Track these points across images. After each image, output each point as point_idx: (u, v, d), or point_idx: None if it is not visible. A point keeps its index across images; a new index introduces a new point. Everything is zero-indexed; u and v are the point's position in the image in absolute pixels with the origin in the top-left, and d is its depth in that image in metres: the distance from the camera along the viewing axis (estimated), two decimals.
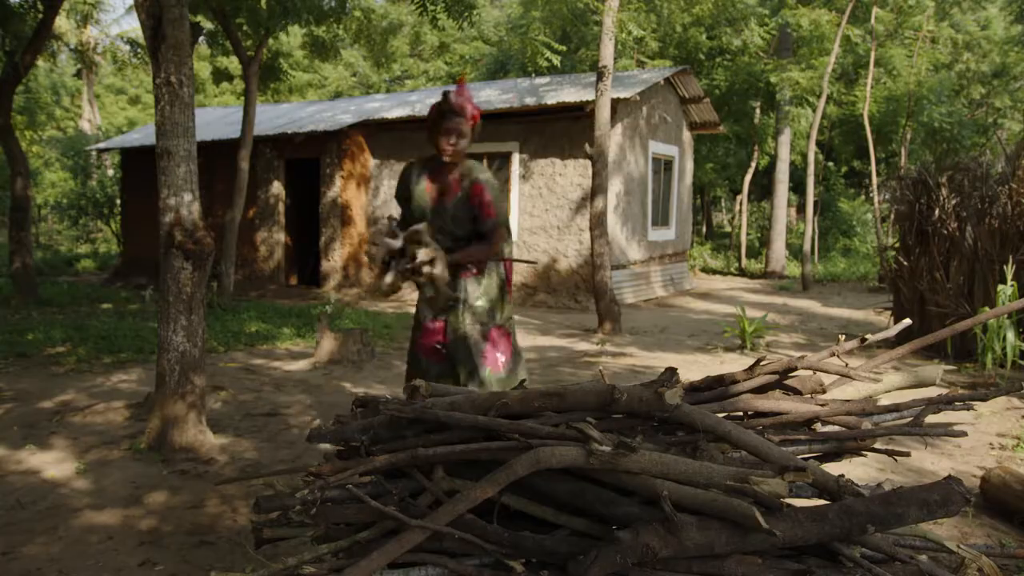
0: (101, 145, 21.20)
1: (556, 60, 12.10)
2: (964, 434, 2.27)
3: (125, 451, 4.75)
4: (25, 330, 9.04)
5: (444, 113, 3.54)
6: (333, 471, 2.06)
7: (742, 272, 21.20)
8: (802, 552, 1.92)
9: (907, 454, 2.41)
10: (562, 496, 1.91)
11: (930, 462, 4.64)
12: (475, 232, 3.71)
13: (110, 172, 25.44)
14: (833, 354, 2.32)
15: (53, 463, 4.56)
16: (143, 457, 4.64)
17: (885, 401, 2.28)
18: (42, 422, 5.43)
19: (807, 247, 16.93)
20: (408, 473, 2.09)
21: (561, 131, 13.20)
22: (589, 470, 1.83)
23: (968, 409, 2.29)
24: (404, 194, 3.83)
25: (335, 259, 15.25)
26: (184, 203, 4.67)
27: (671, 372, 1.98)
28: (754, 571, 1.84)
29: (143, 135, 18.46)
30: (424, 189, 3.74)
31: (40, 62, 13.61)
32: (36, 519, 3.76)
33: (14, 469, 4.46)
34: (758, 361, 2.39)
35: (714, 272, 21.53)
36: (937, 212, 8.61)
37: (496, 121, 13.71)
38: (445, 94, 3.61)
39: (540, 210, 13.59)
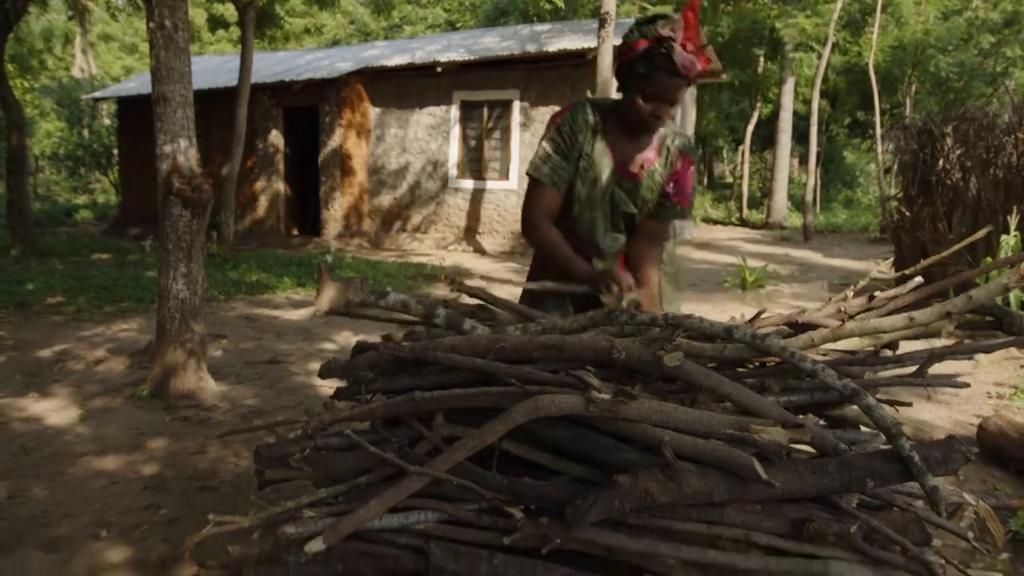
0: (97, 94, 20.94)
1: (560, 1, 11.88)
2: (967, 385, 2.27)
3: (127, 398, 4.78)
4: (25, 280, 9.03)
5: (656, 69, 2.33)
6: (332, 419, 2.06)
7: (743, 222, 21.13)
8: (800, 500, 1.93)
9: (909, 404, 2.41)
10: (561, 443, 1.91)
11: (928, 411, 4.67)
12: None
13: (106, 122, 25.16)
14: (839, 310, 2.30)
15: (56, 410, 4.60)
16: (145, 404, 4.67)
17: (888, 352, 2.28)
18: (44, 370, 5.46)
19: (809, 197, 16.84)
20: (406, 421, 2.09)
21: (562, 78, 13.02)
22: (588, 418, 1.83)
23: (970, 359, 2.29)
24: (566, 146, 2.61)
25: (335, 209, 15.18)
26: (181, 149, 4.62)
27: (671, 329, 1.96)
28: (753, 519, 1.85)
29: (139, 83, 18.21)
30: (603, 154, 2.60)
31: (31, 8, 13.33)
32: (40, 464, 3.80)
33: (17, 416, 4.49)
34: (758, 314, 2.38)
35: (715, 222, 21.46)
36: (941, 162, 8.53)
37: (496, 68, 13.52)
38: (661, 40, 2.31)
39: None
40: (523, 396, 1.82)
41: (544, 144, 2.63)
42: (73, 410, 4.59)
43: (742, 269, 8.98)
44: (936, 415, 4.64)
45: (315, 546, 1.89)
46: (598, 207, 2.67)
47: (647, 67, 2.34)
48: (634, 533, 1.85)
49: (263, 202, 15.82)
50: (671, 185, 2.66)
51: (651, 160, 2.63)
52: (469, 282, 8.98)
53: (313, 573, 2.02)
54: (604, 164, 2.61)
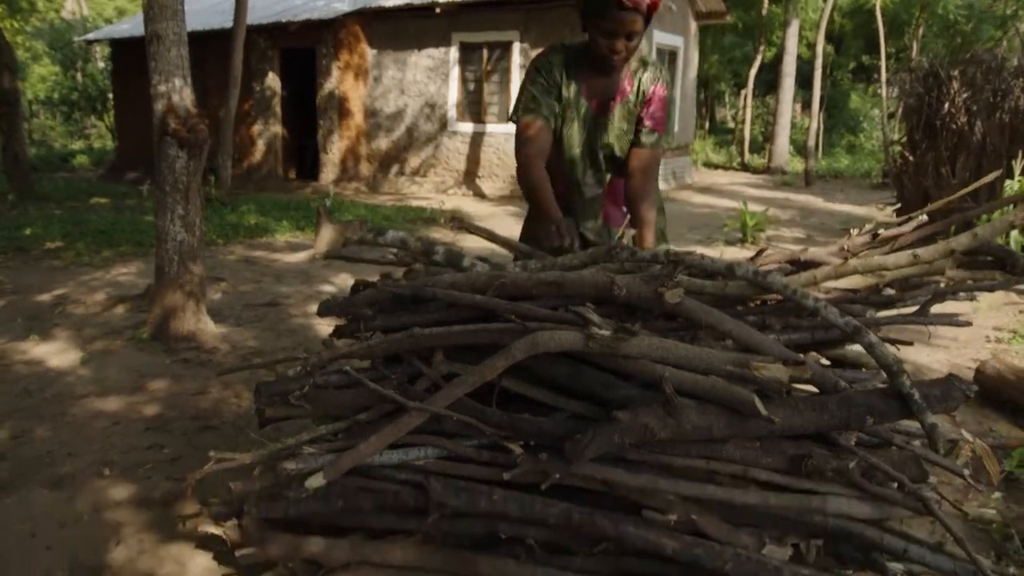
0: (90, 36, 20.55)
1: None
2: (968, 323, 2.26)
3: (127, 341, 4.79)
4: (23, 225, 8.99)
5: (609, 5, 2.38)
6: (331, 356, 2.06)
7: (744, 167, 20.97)
8: (799, 437, 1.94)
9: (910, 343, 2.41)
10: (561, 379, 1.91)
11: (926, 355, 4.68)
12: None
13: (100, 65, 24.76)
14: (843, 248, 2.28)
15: (57, 353, 4.61)
16: (145, 347, 4.68)
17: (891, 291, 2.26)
18: (44, 314, 5.46)
19: (811, 142, 16.68)
20: (407, 359, 2.09)
21: (562, 19, 12.77)
22: (588, 354, 1.82)
23: (972, 299, 2.27)
24: (546, 85, 2.65)
25: (333, 152, 15.05)
26: (176, 89, 4.54)
27: (672, 266, 1.94)
28: (752, 455, 1.86)
29: (133, 25, 17.87)
30: (578, 95, 2.68)
31: None
32: (43, 406, 3.82)
33: (19, 359, 4.50)
34: (760, 252, 2.36)
35: (716, 167, 21.28)
36: (947, 106, 8.43)
37: (495, 9, 13.27)
38: None
39: None
40: (523, 332, 1.81)
41: (527, 87, 2.66)
42: (74, 353, 4.60)
43: (743, 213, 8.93)
44: (934, 359, 4.65)
45: (315, 482, 1.90)
46: (576, 146, 2.73)
47: (600, 4, 2.41)
48: (633, 469, 1.86)
49: (260, 146, 15.67)
50: (645, 111, 2.69)
51: (625, 93, 2.68)
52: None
53: (313, 508, 2.04)
54: (580, 103, 2.68)
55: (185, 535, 2.71)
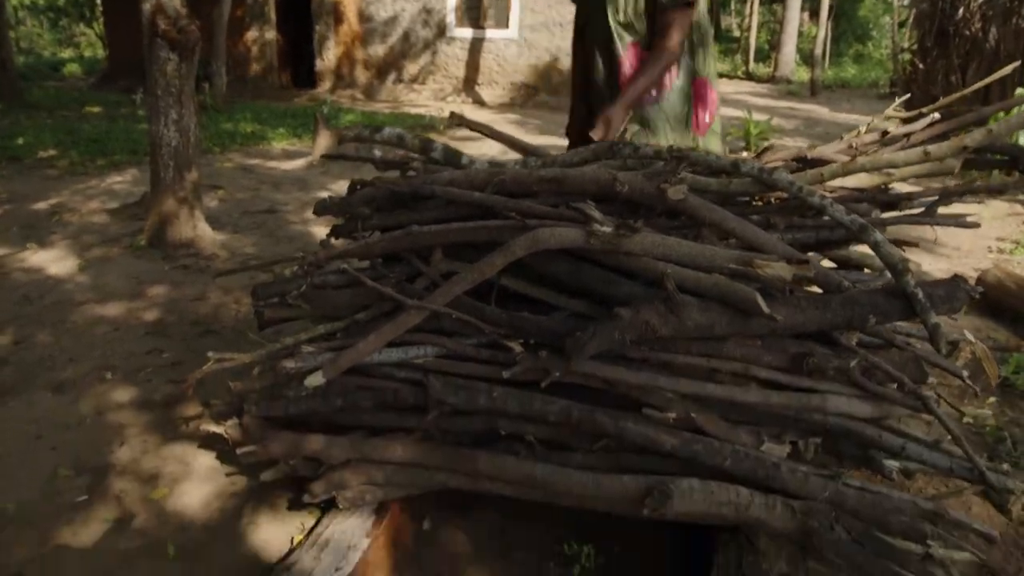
0: None
1: None
2: (977, 225, 2.23)
3: (125, 248, 4.76)
4: (15, 135, 8.82)
5: None
6: (328, 255, 2.03)
7: (749, 76, 20.53)
8: (801, 336, 1.92)
9: (915, 245, 2.37)
10: (561, 277, 1.88)
11: (928, 263, 4.66)
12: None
13: None
14: (850, 145, 2.22)
15: (54, 261, 4.58)
16: (143, 254, 4.65)
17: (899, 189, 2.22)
18: (40, 223, 5.41)
19: (818, 51, 16.27)
20: (405, 258, 2.06)
21: None
22: (589, 251, 1.79)
23: (980, 202, 2.23)
24: None
25: (329, 58, 14.69)
26: None
27: (676, 162, 1.89)
28: (753, 353, 1.85)
29: None
30: None
31: None
32: (43, 312, 3.81)
33: (17, 267, 4.48)
34: (766, 148, 2.30)
35: (720, 75, 20.82)
36: (961, 11, 8.17)
37: None
38: None
39: (543, 5, 12.92)
40: (522, 230, 1.77)
41: None
42: (72, 260, 4.57)
43: (746, 123, 8.77)
44: (936, 267, 4.63)
45: (314, 380, 1.90)
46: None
47: None
48: (633, 367, 1.85)
49: (255, 52, 15.27)
50: None
51: None
52: (468, 140, 8.80)
53: (313, 407, 2.05)
54: None
55: (187, 435, 2.74)
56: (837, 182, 2.08)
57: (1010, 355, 3.25)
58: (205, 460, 2.60)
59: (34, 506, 2.37)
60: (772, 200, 2.10)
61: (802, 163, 2.11)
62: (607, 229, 1.71)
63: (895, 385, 1.94)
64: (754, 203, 2.10)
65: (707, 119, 2.69)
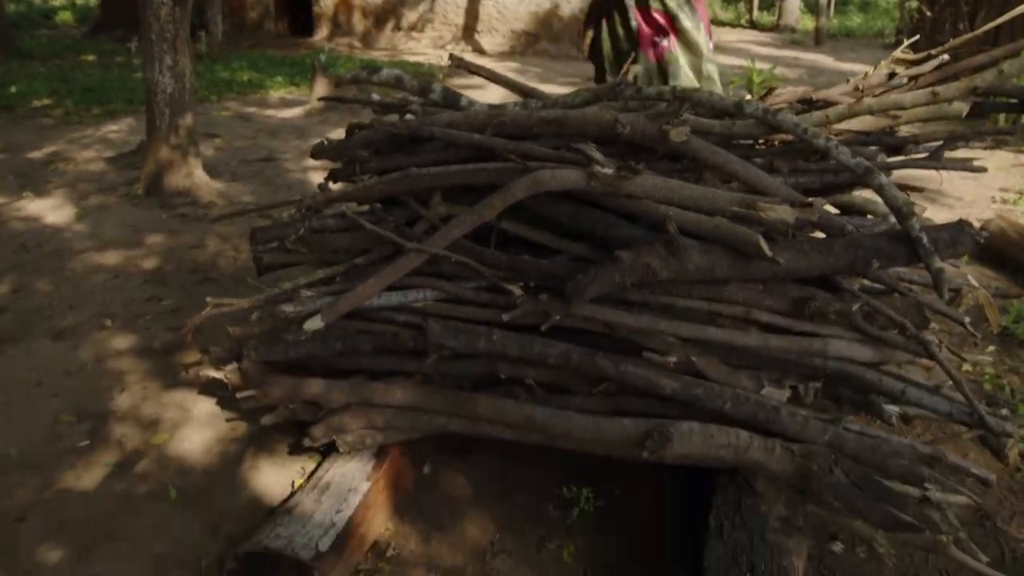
0: None
1: None
2: (984, 169, 2.20)
3: (122, 197, 4.72)
4: (7, 84, 8.69)
5: None
6: (326, 198, 2.00)
7: (753, 25, 20.17)
8: (803, 281, 1.91)
9: (921, 190, 2.34)
10: (562, 220, 1.86)
11: (931, 212, 4.60)
12: None
13: None
14: (857, 87, 2.17)
15: (52, 209, 4.55)
16: (140, 202, 4.61)
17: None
18: (36, 172, 5.35)
19: None
20: (404, 202, 2.03)
21: None
22: (590, 194, 1.76)
23: (987, 147, 2.19)
24: None
25: (326, 6, 14.44)
26: None
27: (678, 103, 1.85)
28: (755, 297, 1.84)
29: None
30: None
31: None
32: (41, 260, 3.80)
33: (14, 216, 4.45)
34: (771, 90, 2.26)
35: (723, 24, 20.47)
36: None
37: None
38: None
39: None
40: (523, 172, 1.75)
41: None
42: (69, 209, 4.54)
43: (749, 71, 8.64)
44: (939, 217, 4.59)
45: (313, 324, 1.89)
46: None
47: None
48: (634, 310, 1.84)
49: (251, 1, 15.00)
50: None
51: None
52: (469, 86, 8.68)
53: (312, 351, 2.04)
54: None
55: (187, 382, 2.74)
56: (843, 125, 2.05)
57: (1011, 304, 3.25)
58: (205, 406, 2.60)
59: (36, 451, 2.38)
60: (776, 143, 2.07)
61: (807, 105, 2.07)
62: (608, 171, 1.69)
63: (897, 331, 1.93)
64: (758, 146, 2.07)
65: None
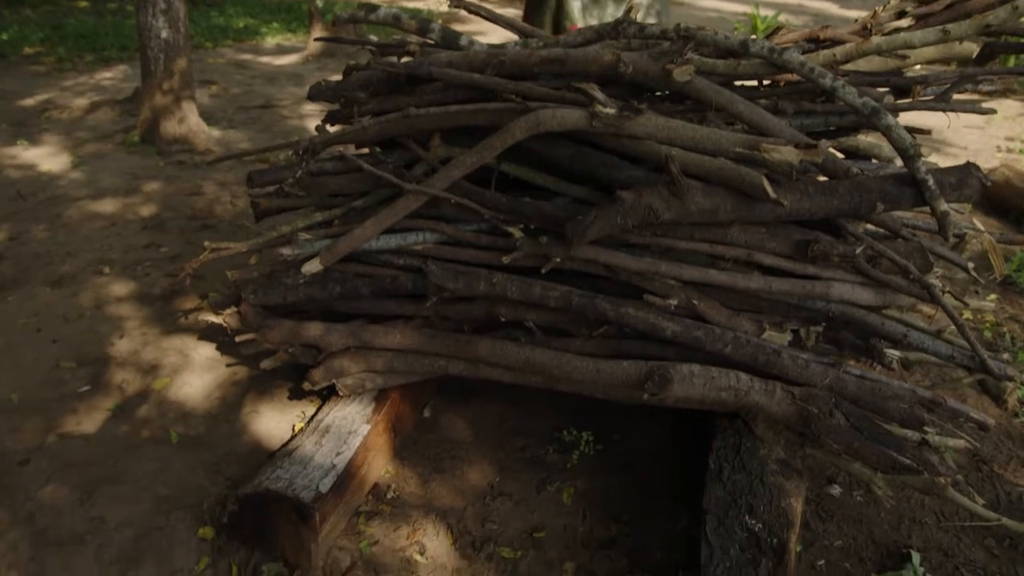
0: None
1: None
2: (993, 111, 2.16)
3: (118, 145, 4.67)
4: None
5: None
6: (324, 140, 1.97)
7: None
8: (807, 224, 1.88)
9: (928, 132, 2.30)
10: (563, 162, 1.83)
11: (935, 162, 4.58)
12: None
13: None
14: (867, 25, 2.12)
15: (47, 157, 4.50)
16: (137, 150, 4.56)
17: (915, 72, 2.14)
18: (30, 120, 5.29)
19: None
20: (403, 144, 2.00)
21: None
22: (592, 135, 1.73)
23: (998, 91, 2.15)
24: None
25: None
26: None
27: (682, 42, 1.80)
28: (757, 239, 1.81)
29: None
30: None
31: None
32: (38, 208, 3.77)
33: (9, 163, 4.40)
34: (777, 29, 2.20)
35: None
36: None
37: None
38: None
39: None
40: (523, 112, 1.71)
41: None
42: (64, 157, 4.49)
43: (753, 18, 8.50)
44: (944, 165, 4.56)
45: (312, 267, 1.87)
46: None
47: None
48: (635, 253, 1.82)
49: None
50: None
51: None
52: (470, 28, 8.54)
53: (311, 294, 2.03)
54: None
55: (186, 327, 2.74)
56: (850, 66, 2.00)
57: (1014, 253, 3.23)
58: (205, 351, 2.60)
59: (38, 396, 2.38)
60: (781, 84, 2.02)
61: (814, 43, 2.02)
62: (610, 111, 1.65)
63: (900, 275, 1.92)
64: (762, 87, 2.02)
65: None
